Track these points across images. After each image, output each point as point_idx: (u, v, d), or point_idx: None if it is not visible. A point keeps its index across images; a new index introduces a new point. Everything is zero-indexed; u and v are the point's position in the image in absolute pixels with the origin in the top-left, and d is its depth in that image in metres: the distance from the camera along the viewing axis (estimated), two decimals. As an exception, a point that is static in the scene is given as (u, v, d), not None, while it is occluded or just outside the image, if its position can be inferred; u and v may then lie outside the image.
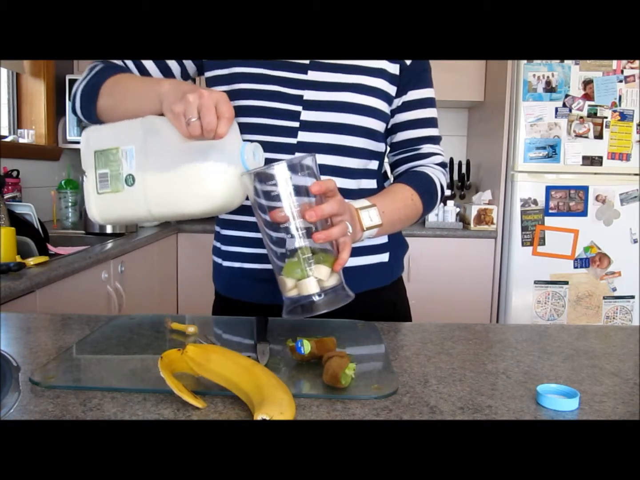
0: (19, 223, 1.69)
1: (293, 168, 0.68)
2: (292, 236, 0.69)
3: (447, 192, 3.06)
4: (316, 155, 0.90)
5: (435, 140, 1.02)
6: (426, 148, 1.01)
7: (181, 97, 0.73)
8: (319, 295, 0.70)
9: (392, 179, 1.03)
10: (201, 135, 0.73)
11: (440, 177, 0.99)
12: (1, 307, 1.19)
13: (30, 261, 1.46)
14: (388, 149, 1.04)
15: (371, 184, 0.99)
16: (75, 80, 2.73)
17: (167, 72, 0.96)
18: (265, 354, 0.71)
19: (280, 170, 0.68)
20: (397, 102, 0.98)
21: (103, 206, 0.81)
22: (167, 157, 0.76)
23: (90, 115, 0.89)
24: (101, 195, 0.80)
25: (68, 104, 2.70)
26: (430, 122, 1.01)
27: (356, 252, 0.97)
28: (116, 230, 2.23)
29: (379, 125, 0.96)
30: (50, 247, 1.81)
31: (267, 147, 0.89)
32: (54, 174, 2.72)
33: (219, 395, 0.59)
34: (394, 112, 0.98)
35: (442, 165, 1.02)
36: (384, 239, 1.01)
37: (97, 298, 1.79)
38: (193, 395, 0.56)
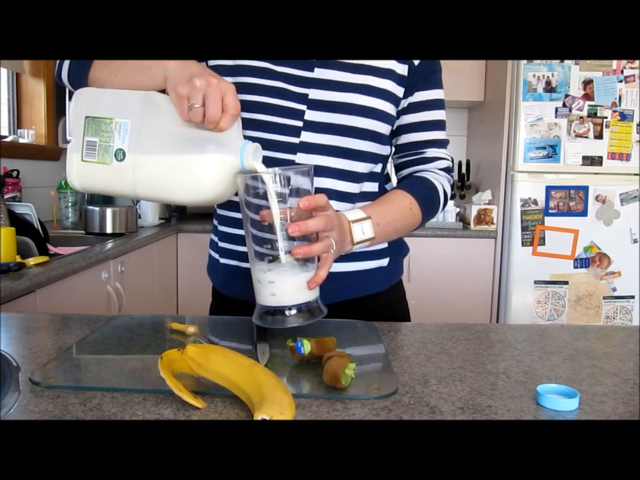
0: (19, 223, 1.69)
1: (287, 178, 0.68)
2: (273, 246, 0.69)
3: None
4: (319, 158, 0.89)
5: (441, 144, 0.99)
6: (431, 152, 0.98)
7: (188, 79, 0.71)
8: (291, 308, 0.69)
9: (394, 181, 1.02)
10: (201, 123, 0.71)
11: (443, 184, 0.96)
12: (1, 307, 1.19)
13: (30, 261, 1.46)
14: (393, 150, 1.02)
15: (373, 187, 0.98)
16: (75, 80, 2.73)
17: None
18: (265, 354, 0.71)
19: (272, 178, 0.67)
20: (403, 104, 0.95)
21: (85, 175, 0.78)
22: (163, 140, 0.74)
23: (80, 84, 0.85)
24: (85, 163, 0.77)
25: (68, 104, 2.70)
26: (437, 125, 0.98)
27: (355, 257, 0.96)
28: (116, 230, 2.23)
29: (384, 129, 0.93)
30: (50, 247, 1.81)
31: (268, 144, 0.88)
32: (54, 174, 2.72)
33: (219, 395, 0.59)
34: (399, 114, 0.96)
35: (447, 170, 0.99)
36: (383, 245, 0.99)
37: (97, 298, 1.79)
38: (193, 395, 0.56)
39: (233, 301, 0.99)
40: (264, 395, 0.53)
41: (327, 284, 0.80)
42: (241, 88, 0.87)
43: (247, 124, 0.88)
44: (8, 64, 2.51)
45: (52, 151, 2.70)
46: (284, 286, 0.69)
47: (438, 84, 0.97)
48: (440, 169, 0.98)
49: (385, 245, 1.00)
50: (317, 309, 0.72)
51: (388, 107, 0.92)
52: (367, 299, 0.98)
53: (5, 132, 2.53)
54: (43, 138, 2.66)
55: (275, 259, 0.69)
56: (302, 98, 0.89)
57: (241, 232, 0.95)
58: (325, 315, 0.72)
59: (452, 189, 3.32)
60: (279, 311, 0.70)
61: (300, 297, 0.70)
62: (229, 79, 0.89)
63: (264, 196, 0.68)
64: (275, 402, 0.52)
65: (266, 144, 0.87)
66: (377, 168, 0.98)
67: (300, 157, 0.89)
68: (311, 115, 0.89)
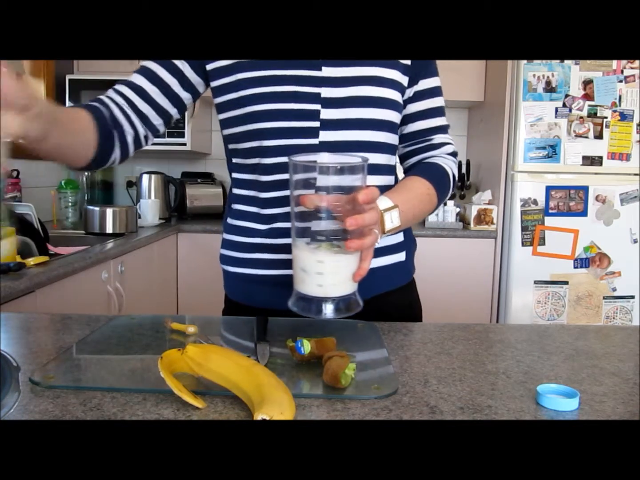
0: (19, 223, 1.69)
1: (341, 169, 0.67)
2: (327, 237, 0.68)
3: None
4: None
5: (445, 129, 1.02)
6: (438, 138, 1.00)
7: None
8: (328, 300, 0.69)
9: (400, 172, 1.03)
10: None
11: (452, 168, 0.99)
12: (1, 307, 1.19)
13: (30, 261, 1.46)
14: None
15: (390, 180, 0.99)
16: (75, 80, 2.74)
17: (167, 89, 0.93)
18: (265, 354, 0.71)
19: (325, 168, 0.67)
20: (409, 93, 0.97)
21: None
22: None
23: None
24: None
25: (68, 104, 2.70)
26: (440, 111, 1.01)
27: (376, 252, 0.97)
28: (116, 230, 2.23)
29: (397, 118, 0.95)
30: (50, 247, 1.81)
31: (289, 150, 0.87)
32: (54, 174, 2.72)
33: (219, 395, 0.59)
34: (405, 103, 0.97)
35: (454, 154, 1.02)
36: (399, 238, 1.00)
37: (97, 298, 1.79)
38: (193, 395, 0.56)
39: (246, 307, 0.99)
40: (264, 395, 0.53)
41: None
42: (253, 99, 0.87)
43: (266, 134, 0.88)
44: (8, 64, 2.51)
45: (52, 151, 2.70)
46: (332, 278, 0.69)
47: (436, 72, 1.00)
48: (448, 154, 1.01)
49: (401, 238, 1.00)
50: (355, 302, 0.72)
51: (397, 96, 0.93)
52: (387, 296, 0.98)
53: (5, 132, 2.53)
54: (43, 138, 2.66)
55: (324, 249, 0.69)
56: (315, 98, 0.88)
57: (241, 239, 0.95)
58: (362, 308, 0.72)
59: (453, 188, 3.31)
60: (317, 300, 0.70)
61: (345, 289, 0.70)
62: (234, 95, 0.89)
63: (314, 186, 0.67)
64: (276, 402, 0.52)
65: (288, 150, 0.87)
66: (392, 160, 0.99)
67: (322, 158, 0.89)
68: (327, 113, 0.88)
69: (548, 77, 2.55)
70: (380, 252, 0.96)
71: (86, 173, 3.00)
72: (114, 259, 1.89)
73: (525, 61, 2.54)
